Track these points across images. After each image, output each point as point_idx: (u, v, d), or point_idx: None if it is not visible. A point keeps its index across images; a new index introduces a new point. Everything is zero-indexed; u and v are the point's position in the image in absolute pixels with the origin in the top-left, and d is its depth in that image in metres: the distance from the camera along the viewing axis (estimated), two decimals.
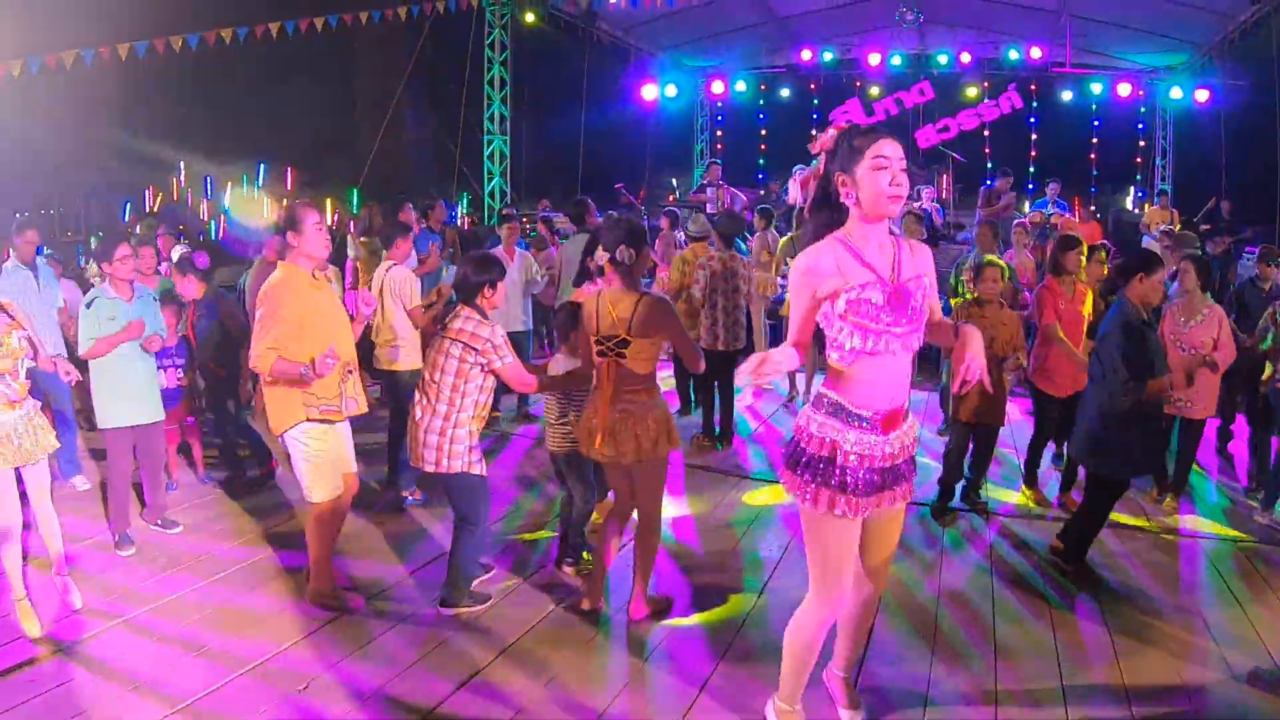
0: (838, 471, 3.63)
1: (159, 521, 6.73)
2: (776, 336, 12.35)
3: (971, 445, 7.26)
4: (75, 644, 5.07)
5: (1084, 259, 7.62)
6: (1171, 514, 7.32)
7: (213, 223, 21.04)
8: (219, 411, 7.83)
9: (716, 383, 8.92)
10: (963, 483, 7.34)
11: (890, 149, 3.47)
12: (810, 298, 3.59)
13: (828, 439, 3.65)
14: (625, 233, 5.13)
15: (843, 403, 3.64)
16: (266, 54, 15.63)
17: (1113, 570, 6.39)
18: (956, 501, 7.31)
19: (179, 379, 7.45)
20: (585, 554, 6.10)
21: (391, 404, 7.56)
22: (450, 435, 5.31)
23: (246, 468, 7.85)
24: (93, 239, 11.86)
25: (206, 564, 6.17)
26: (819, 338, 3.70)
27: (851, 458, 3.62)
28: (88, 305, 6.31)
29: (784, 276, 10.87)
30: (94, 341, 6.20)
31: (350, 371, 5.48)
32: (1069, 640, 5.36)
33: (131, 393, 6.45)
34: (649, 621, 5.43)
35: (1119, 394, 5.86)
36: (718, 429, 9.00)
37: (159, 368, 7.00)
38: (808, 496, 3.68)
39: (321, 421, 5.34)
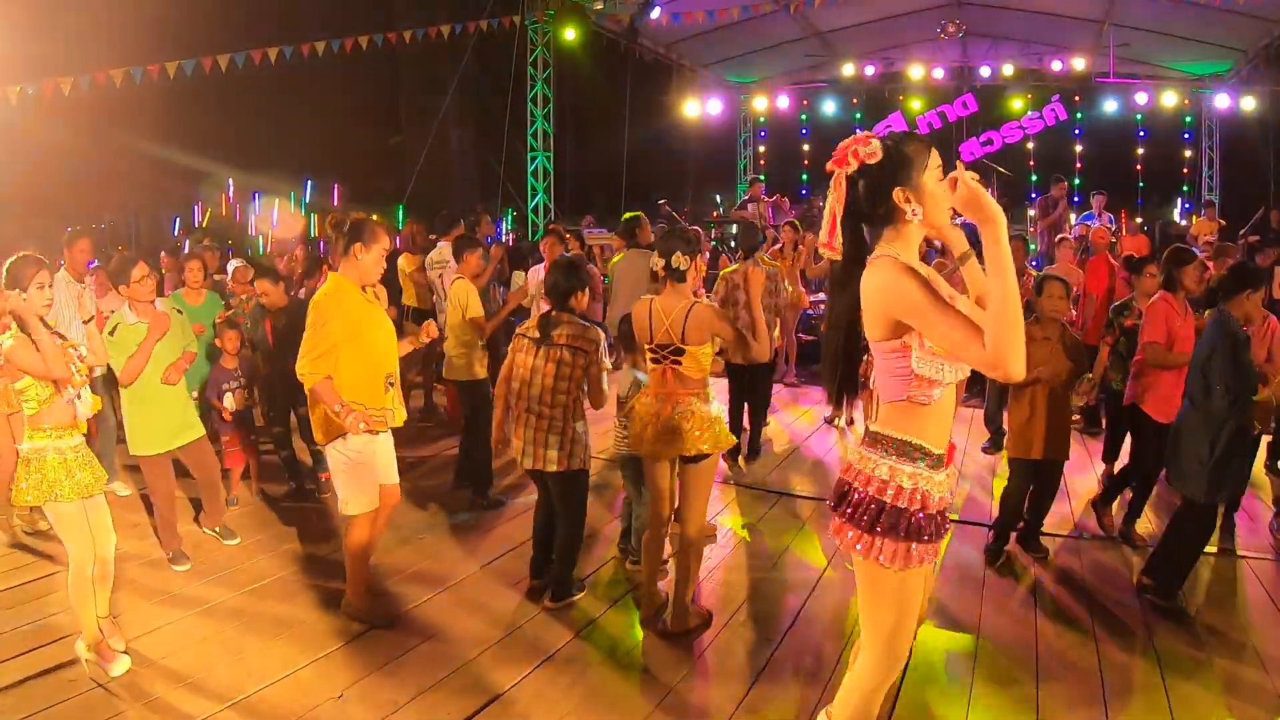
0: (915, 520, 3.20)
1: (217, 528, 6.75)
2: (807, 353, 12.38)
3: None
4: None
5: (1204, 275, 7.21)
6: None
7: (259, 238, 21.30)
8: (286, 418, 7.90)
9: (745, 400, 8.89)
10: (1021, 525, 6.85)
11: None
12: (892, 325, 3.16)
13: (918, 489, 3.22)
14: (681, 241, 5.28)
15: (925, 445, 3.23)
16: (313, 72, 15.86)
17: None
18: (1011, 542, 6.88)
19: (246, 400, 7.47)
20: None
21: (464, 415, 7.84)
22: (572, 435, 5.62)
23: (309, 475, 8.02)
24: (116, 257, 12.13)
25: (247, 574, 6.26)
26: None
27: (932, 502, 3.23)
28: (110, 332, 6.07)
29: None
30: (126, 362, 6.02)
31: (392, 384, 5.56)
32: (1114, 665, 5.28)
33: (161, 419, 6.25)
34: (689, 635, 5.45)
35: (1231, 413, 5.63)
36: (746, 445, 8.96)
37: (225, 391, 7.22)
38: (897, 557, 3.20)
39: (367, 432, 5.37)
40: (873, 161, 3.20)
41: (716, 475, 5.87)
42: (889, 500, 3.20)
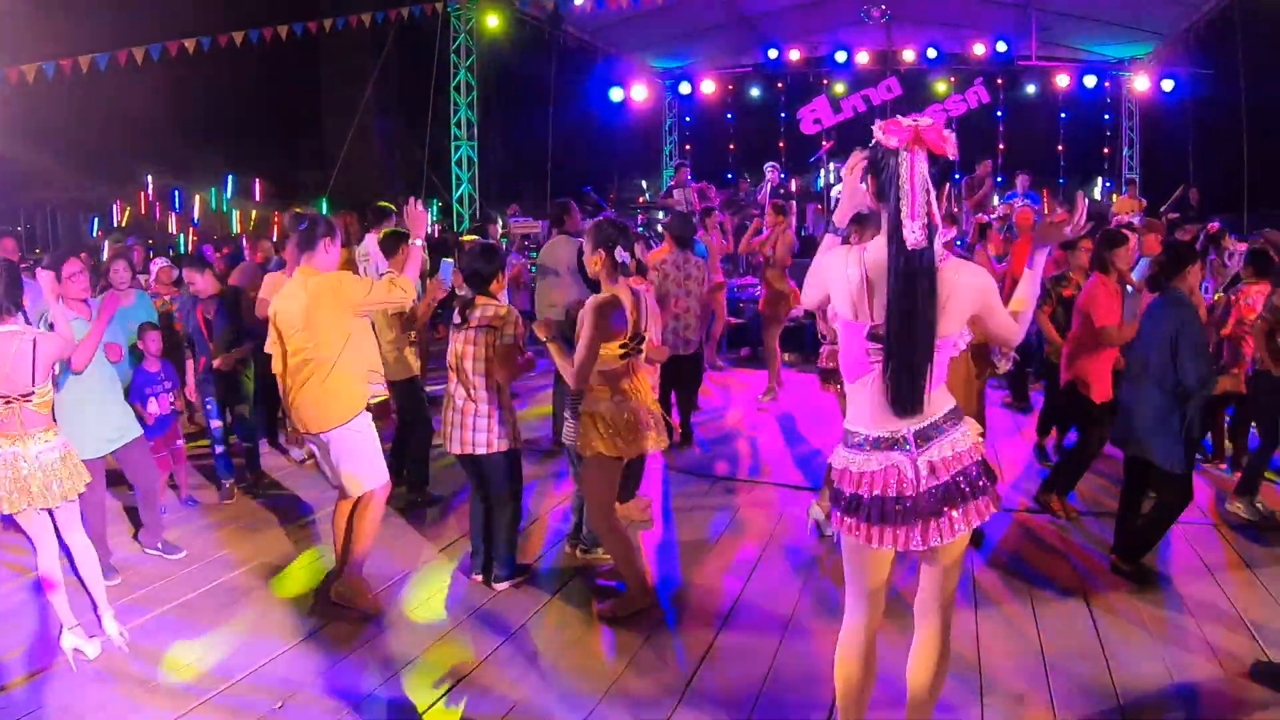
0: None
1: (159, 545, 6.34)
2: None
3: None
4: (49, 669, 4.95)
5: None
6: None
7: (181, 235, 20.92)
8: (229, 412, 7.66)
9: (674, 387, 8.81)
10: None
11: None
12: None
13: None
14: (615, 231, 5.30)
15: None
16: (231, 65, 15.54)
17: (1092, 551, 6.45)
18: None
19: (171, 403, 7.06)
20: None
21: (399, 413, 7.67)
22: (497, 417, 5.65)
23: (248, 471, 7.84)
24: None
25: (181, 584, 6.03)
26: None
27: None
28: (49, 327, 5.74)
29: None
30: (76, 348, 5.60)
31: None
32: (1053, 629, 5.36)
33: (94, 422, 5.87)
34: (636, 617, 5.45)
35: (1198, 387, 5.71)
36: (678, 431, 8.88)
37: (149, 395, 6.80)
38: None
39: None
40: (953, 156, 3.31)
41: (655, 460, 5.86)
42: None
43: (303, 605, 5.66)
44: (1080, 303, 7.04)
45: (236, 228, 22.02)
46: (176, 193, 22.11)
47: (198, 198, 22.04)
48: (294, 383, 5.41)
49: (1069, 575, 6.13)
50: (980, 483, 3.35)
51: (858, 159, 3.40)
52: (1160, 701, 4.68)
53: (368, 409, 5.63)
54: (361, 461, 5.55)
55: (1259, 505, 7.04)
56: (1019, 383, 10.36)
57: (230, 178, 23.13)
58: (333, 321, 5.35)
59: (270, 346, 5.52)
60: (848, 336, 3.39)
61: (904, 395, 3.24)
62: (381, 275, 6.70)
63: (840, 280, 3.33)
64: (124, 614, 5.37)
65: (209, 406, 7.52)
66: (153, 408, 6.82)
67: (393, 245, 7.43)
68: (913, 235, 3.14)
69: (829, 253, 3.48)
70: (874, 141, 3.29)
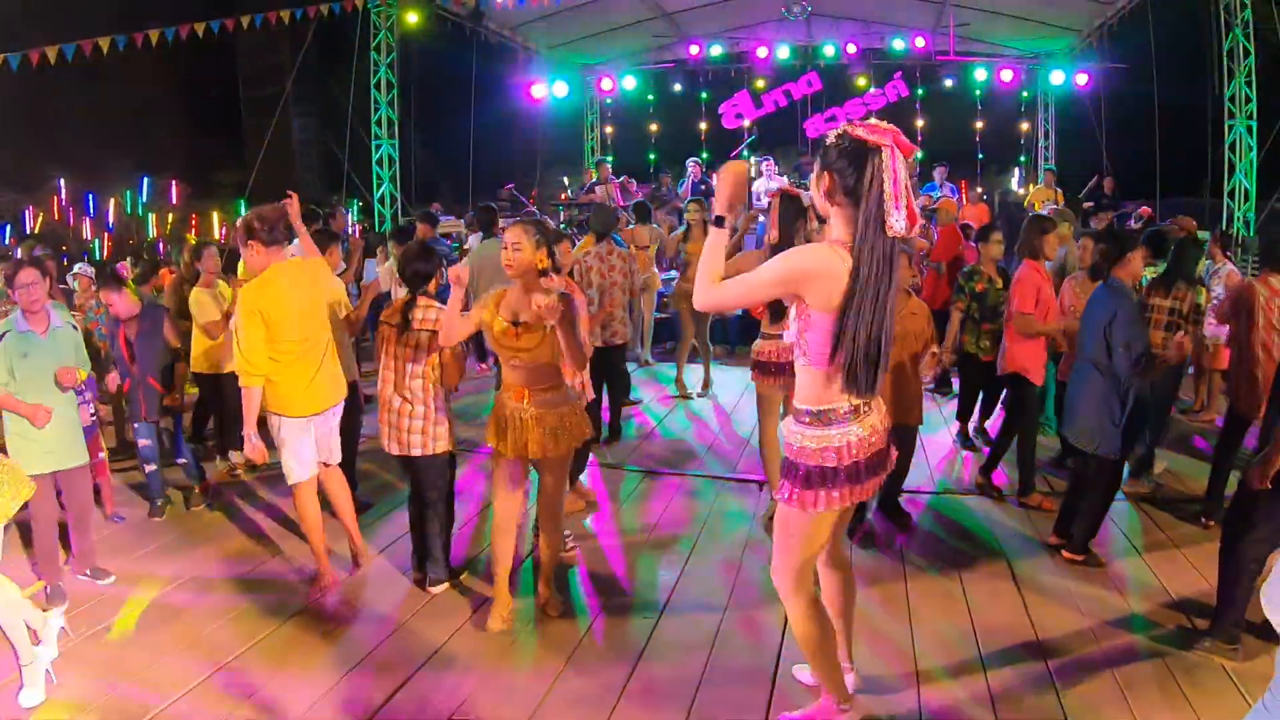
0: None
1: (88, 571, 6.05)
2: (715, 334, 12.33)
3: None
4: None
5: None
6: None
7: (96, 241, 20.51)
8: (155, 431, 7.34)
9: (603, 382, 8.78)
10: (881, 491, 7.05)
11: None
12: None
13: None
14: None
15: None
16: (147, 63, 15.26)
17: (1019, 533, 6.65)
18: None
19: (91, 415, 6.78)
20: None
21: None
22: (435, 419, 5.67)
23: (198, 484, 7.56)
24: None
25: (112, 603, 5.91)
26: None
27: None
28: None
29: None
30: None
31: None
32: (982, 605, 5.54)
33: (49, 437, 5.72)
34: (562, 615, 5.47)
35: (1135, 373, 5.82)
36: (608, 427, 8.97)
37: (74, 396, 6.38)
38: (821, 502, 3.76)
39: None
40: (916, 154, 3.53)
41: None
42: None
43: (237, 619, 5.52)
44: (1010, 292, 7.17)
45: (153, 231, 21.65)
46: (90, 197, 21.64)
47: (112, 201, 21.62)
48: (308, 365, 5.66)
49: (995, 554, 6.33)
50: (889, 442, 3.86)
51: (819, 169, 3.65)
52: (1088, 666, 4.88)
53: None
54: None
55: (1155, 479, 7.55)
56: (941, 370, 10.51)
57: (145, 180, 22.72)
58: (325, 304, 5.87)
59: (257, 347, 5.48)
60: (825, 326, 3.52)
61: (874, 371, 3.56)
62: None
63: (836, 276, 3.47)
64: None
65: (137, 426, 7.29)
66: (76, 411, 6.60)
67: (323, 244, 7.27)
68: (897, 223, 3.40)
69: (813, 250, 3.60)
70: (849, 142, 3.55)
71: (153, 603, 5.77)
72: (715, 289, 3.54)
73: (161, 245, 14.90)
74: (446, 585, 5.86)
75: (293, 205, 6.04)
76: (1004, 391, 7.99)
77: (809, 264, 3.52)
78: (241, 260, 7.18)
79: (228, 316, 7.45)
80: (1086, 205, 15.66)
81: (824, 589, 4.33)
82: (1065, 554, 6.20)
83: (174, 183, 23.36)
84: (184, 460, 7.49)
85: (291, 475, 5.77)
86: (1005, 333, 7.23)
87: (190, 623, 5.49)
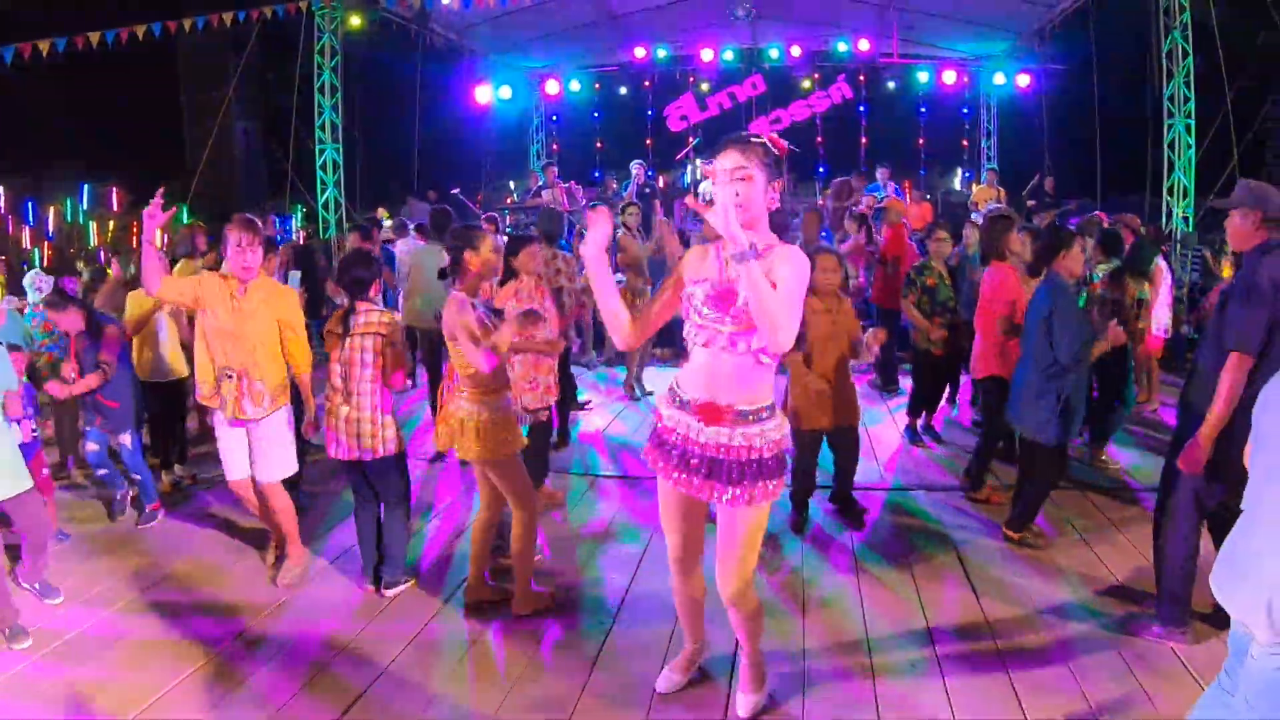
0: (655, 437, 4.01)
1: (36, 584, 5.83)
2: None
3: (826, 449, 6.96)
4: None
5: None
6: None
7: (36, 250, 20.14)
8: (105, 449, 7.14)
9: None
10: (832, 488, 7.09)
11: (721, 161, 3.62)
12: (663, 287, 3.99)
13: (660, 410, 4.03)
14: (457, 237, 5.45)
15: (675, 384, 3.97)
16: (86, 67, 15.01)
17: (969, 527, 6.77)
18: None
19: (33, 431, 6.51)
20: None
21: None
22: (383, 422, 5.66)
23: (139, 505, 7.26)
24: None
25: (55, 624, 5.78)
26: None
27: (667, 431, 3.93)
28: None
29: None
30: None
31: (230, 377, 5.76)
32: (933, 597, 5.65)
33: None
34: (534, 617, 5.48)
35: (1071, 365, 5.93)
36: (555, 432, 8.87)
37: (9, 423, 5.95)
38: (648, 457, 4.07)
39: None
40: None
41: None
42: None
43: (184, 639, 5.36)
44: (983, 295, 7.19)
45: (94, 240, 21.33)
46: (30, 204, 21.27)
47: (52, 209, 21.27)
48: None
49: (946, 547, 6.44)
50: None
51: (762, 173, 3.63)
52: (1041, 654, 4.99)
53: None
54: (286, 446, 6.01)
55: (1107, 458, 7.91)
56: (888, 367, 10.61)
57: (86, 187, 22.38)
58: None
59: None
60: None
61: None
62: None
63: None
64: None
65: (88, 430, 7.13)
66: (15, 435, 6.34)
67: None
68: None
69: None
70: (775, 150, 3.64)
71: (98, 623, 5.59)
72: (792, 321, 3.50)
73: (102, 254, 14.65)
74: (403, 587, 5.85)
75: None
76: (954, 390, 8.10)
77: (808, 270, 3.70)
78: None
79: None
80: (1030, 204, 15.88)
81: (694, 584, 4.39)
82: (1005, 529, 6.42)
83: (115, 190, 23.03)
84: (138, 478, 7.21)
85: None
86: (980, 337, 7.25)
87: (136, 643, 5.34)
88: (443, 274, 5.47)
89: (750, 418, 3.75)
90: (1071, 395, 6.01)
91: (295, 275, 10.22)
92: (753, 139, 3.62)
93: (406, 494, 5.98)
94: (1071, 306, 5.96)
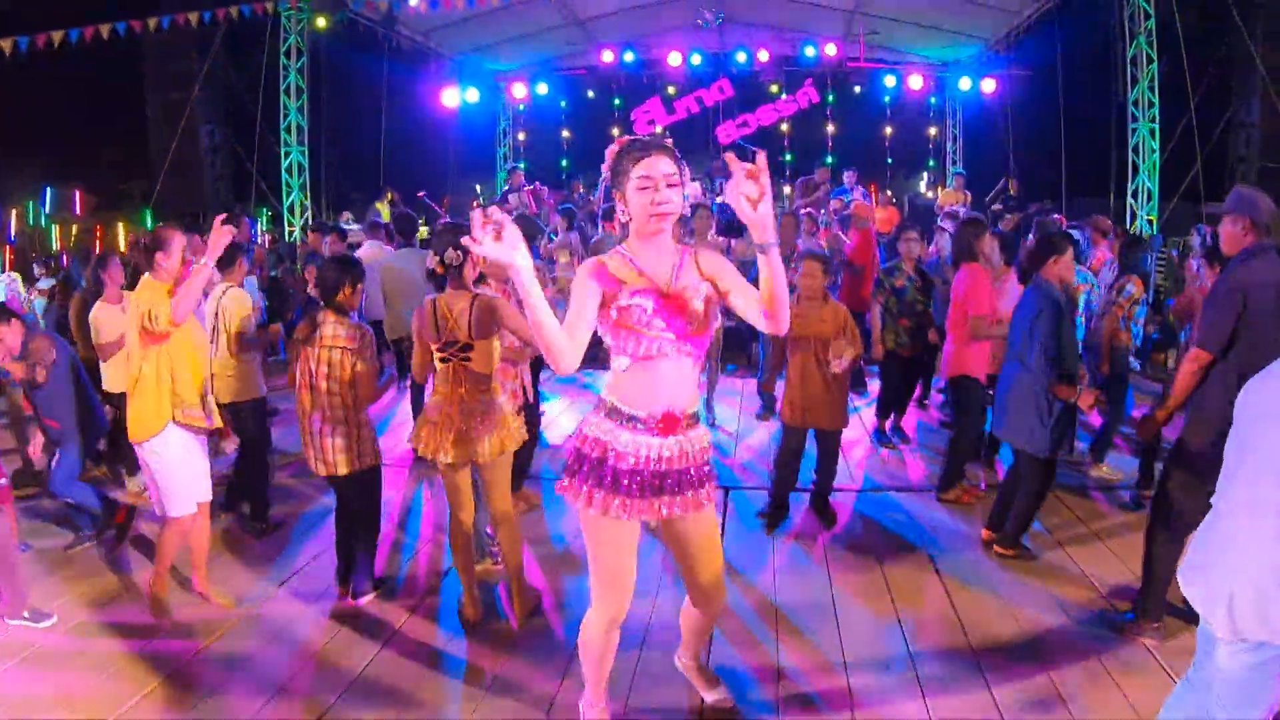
0: (609, 473, 3.66)
1: (25, 614, 5.53)
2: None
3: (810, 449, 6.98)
4: None
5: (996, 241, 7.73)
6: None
7: None
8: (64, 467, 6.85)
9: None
10: (811, 488, 7.13)
11: (655, 167, 3.45)
12: (585, 302, 3.53)
13: (600, 439, 3.69)
14: (453, 236, 5.14)
15: (618, 405, 3.68)
16: (49, 67, 14.86)
17: (941, 527, 6.81)
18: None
19: None
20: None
21: (242, 437, 6.86)
22: (358, 435, 5.53)
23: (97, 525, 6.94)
24: None
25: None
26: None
27: (625, 459, 3.64)
28: None
29: None
30: None
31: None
32: (908, 598, 5.67)
33: None
34: (525, 620, 5.48)
35: (1052, 373, 5.88)
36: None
37: None
38: (582, 499, 3.69)
39: (185, 427, 5.50)
40: (609, 168, 3.60)
41: None
42: (579, 446, 3.77)
43: (146, 653, 5.24)
44: (955, 296, 7.21)
45: (56, 244, 21.12)
46: None
47: (13, 213, 21.05)
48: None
49: (919, 548, 6.47)
50: None
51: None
52: (1014, 651, 5.04)
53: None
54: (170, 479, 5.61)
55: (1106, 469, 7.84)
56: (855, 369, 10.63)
57: (48, 190, 22.16)
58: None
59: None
60: None
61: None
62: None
63: None
64: None
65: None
66: None
67: (228, 258, 6.86)
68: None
69: None
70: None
71: (62, 636, 5.46)
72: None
73: (64, 258, 14.47)
74: (372, 596, 5.80)
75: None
76: (925, 391, 8.13)
77: None
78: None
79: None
80: (995, 208, 15.99)
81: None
82: (997, 548, 6.30)
83: (78, 193, 22.82)
84: (70, 502, 6.96)
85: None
86: (951, 337, 7.25)
87: (102, 655, 5.23)
88: (431, 275, 5.37)
89: (696, 419, 3.77)
90: (1060, 404, 5.97)
91: (252, 280, 10.13)
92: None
93: (376, 504, 5.91)
94: (1056, 314, 5.90)
